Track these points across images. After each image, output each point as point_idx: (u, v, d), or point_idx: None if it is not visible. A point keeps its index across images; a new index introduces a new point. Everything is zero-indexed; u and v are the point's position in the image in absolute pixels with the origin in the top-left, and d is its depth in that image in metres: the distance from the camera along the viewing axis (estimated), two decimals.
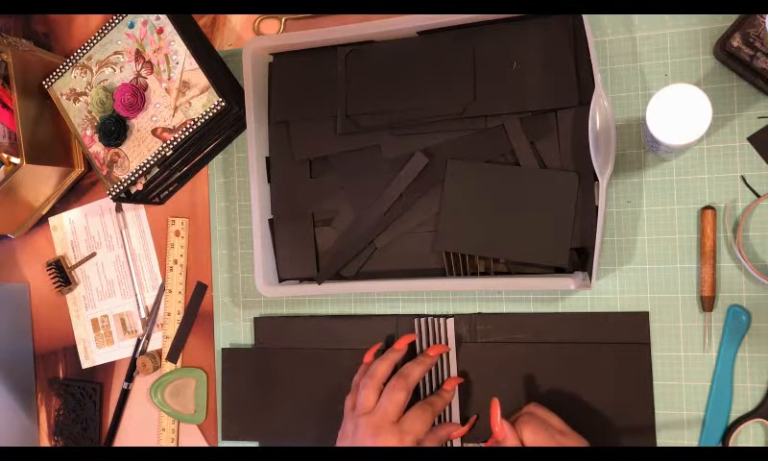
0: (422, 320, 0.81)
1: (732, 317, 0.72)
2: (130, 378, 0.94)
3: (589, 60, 0.72)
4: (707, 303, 0.73)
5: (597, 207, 0.73)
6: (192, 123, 0.82)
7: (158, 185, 0.88)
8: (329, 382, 0.85)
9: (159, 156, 0.83)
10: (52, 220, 0.99)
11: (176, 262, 0.92)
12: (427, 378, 0.80)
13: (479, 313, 0.80)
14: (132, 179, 0.85)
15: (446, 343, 0.80)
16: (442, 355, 0.80)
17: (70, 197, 0.98)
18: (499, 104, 0.77)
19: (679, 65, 0.74)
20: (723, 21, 0.73)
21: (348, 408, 0.74)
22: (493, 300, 0.80)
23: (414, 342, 0.81)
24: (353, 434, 0.70)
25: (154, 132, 0.83)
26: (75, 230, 0.98)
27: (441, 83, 0.78)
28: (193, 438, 0.92)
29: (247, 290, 0.90)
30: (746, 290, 0.73)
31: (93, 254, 0.97)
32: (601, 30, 0.77)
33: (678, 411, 0.75)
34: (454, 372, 0.79)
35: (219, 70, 0.86)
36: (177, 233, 0.92)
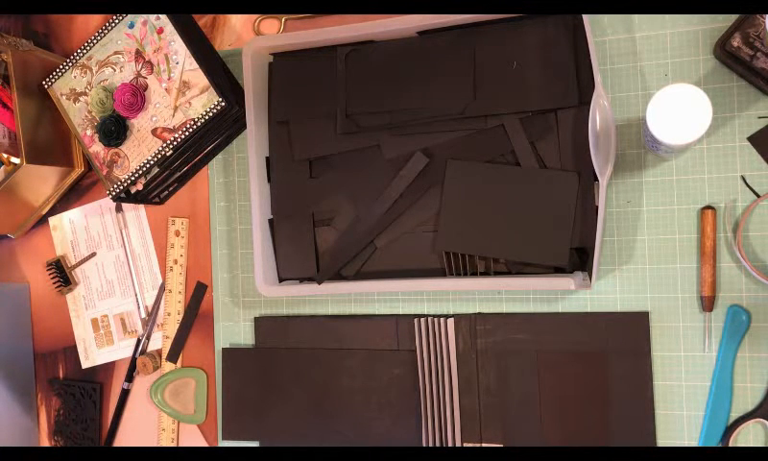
0: (422, 320, 0.81)
1: (732, 317, 0.72)
2: (130, 378, 0.94)
3: (589, 60, 0.72)
4: (707, 303, 0.73)
5: (597, 207, 0.73)
6: (192, 123, 0.82)
7: (158, 185, 0.88)
8: (329, 382, 0.85)
9: (159, 156, 0.83)
10: (52, 220, 0.99)
11: (176, 262, 0.92)
12: (428, 380, 0.80)
13: (479, 313, 0.80)
14: (132, 179, 0.85)
15: (446, 343, 0.80)
16: (442, 356, 0.80)
17: (70, 197, 0.98)
18: (499, 104, 0.77)
19: (679, 65, 0.74)
20: (723, 21, 0.73)
21: None
22: (493, 300, 0.80)
23: (415, 344, 0.81)
24: None
25: (154, 132, 0.83)
26: (75, 230, 0.98)
27: (441, 83, 0.78)
28: (193, 438, 0.92)
29: (247, 290, 0.90)
30: (746, 290, 0.73)
31: (93, 254, 0.97)
32: (601, 30, 0.77)
33: (678, 411, 0.75)
34: (454, 372, 0.79)
35: (219, 70, 0.86)
36: (177, 233, 0.92)
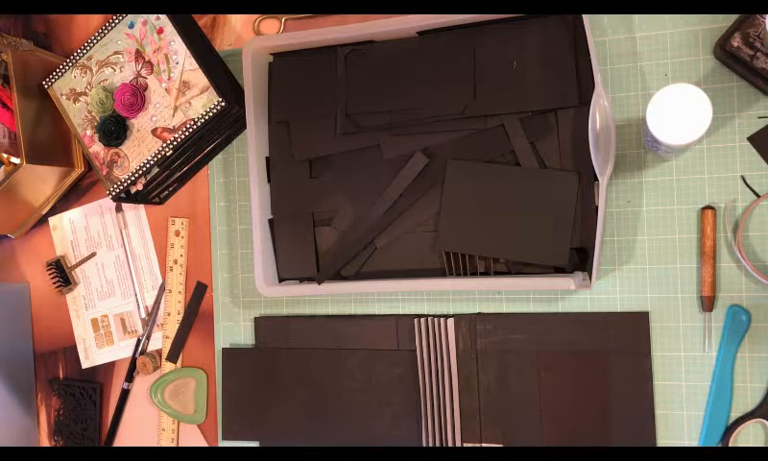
0: (422, 320, 0.81)
1: (732, 317, 0.72)
2: (130, 378, 0.94)
3: (589, 60, 0.72)
4: (707, 303, 0.73)
5: (597, 207, 0.73)
6: (192, 123, 0.82)
7: (158, 185, 0.88)
8: (329, 382, 0.85)
9: (159, 156, 0.83)
10: (52, 220, 0.99)
11: (176, 262, 0.92)
12: (428, 380, 0.80)
13: (479, 313, 0.80)
14: (132, 179, 0.85)
15: (446, 343, 0.80)
16: (442, 356, 0.80)
17: (70, 197, 0.98)
18: (499, 104, 0.77)
19: (679, 65, 0.74)
20: (723, 21, 0.73)
21: None
22: (493, 300, 0.81)
23: (415, 344, 0.81)
24: None
25: (154, 132, 0.83)
26: (75, 230, 0.98)
27: (441, 83, 0.78)
28: (193, 438, 0.92)
29: (247, 290, 0.90)
30: (746, 290, 0.73)
31: (93, 254, 0.97)
32: (601, 30, 0.77)
33: (678, 411, 0.75)
34: (454, 372, 0.79)
35: (219, 70, 0.86)
36: (177, 233, 0.92)
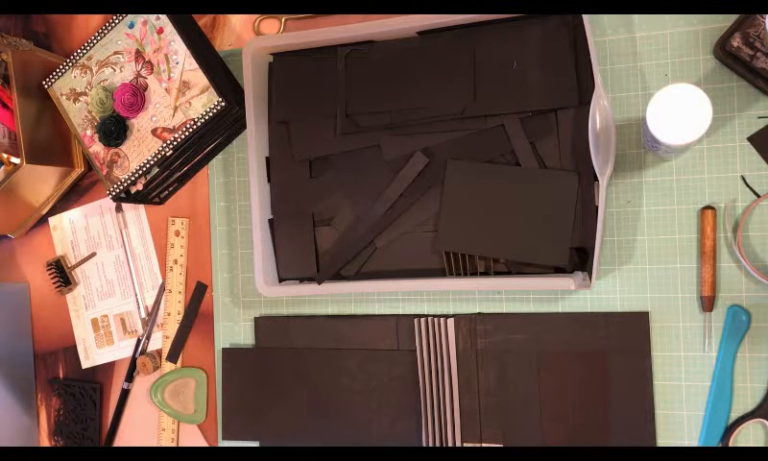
0: (422, 320, 0.81)
1: (732, 317, 0.72)
2: (130, 378, 0.94)
3: (589, 60, 0.72)
4: (707, 303, 0.73)
5: (597, 207, 0.73)
6: (192, 123, 0.82)
7: (158, 185, 0.88)
8: (329, 382, 0.85)
9: (159, 156, 0.83)
10: (52, 220, 0.99)
11: (176, 262, 0.92)
12: (428, 380, 0.80)
13: (479, 313, 0.80)
14: (132, 179, 0.85)
15: (446, 343, 0.80)
16: (442, 356, 0.80)
17: (70, 197, 0.98)
18: (499, 104, 0.77)
19: (679, 65, 0.74)
20: (723, 21, 0.73)
21: None
22: (493, 300, 0.81)
23: (415, 344, 0.81)
24: None
25: (154, 132, 0.83)
26: (75, 230, 0.98)
27: (441, 83, 0.78)
28: (193, 438, 0.92)
29: (247, 290, 0.90)
30: (746, 290, 0.73)
31: (93, 254, 0.97)
32: (601, 30, 0.77)
33: (678, 411, 0.75)
34: (454, 372, 0.79)
35: (219, 70, 0.86)
36: (177, 233, 0.92)
